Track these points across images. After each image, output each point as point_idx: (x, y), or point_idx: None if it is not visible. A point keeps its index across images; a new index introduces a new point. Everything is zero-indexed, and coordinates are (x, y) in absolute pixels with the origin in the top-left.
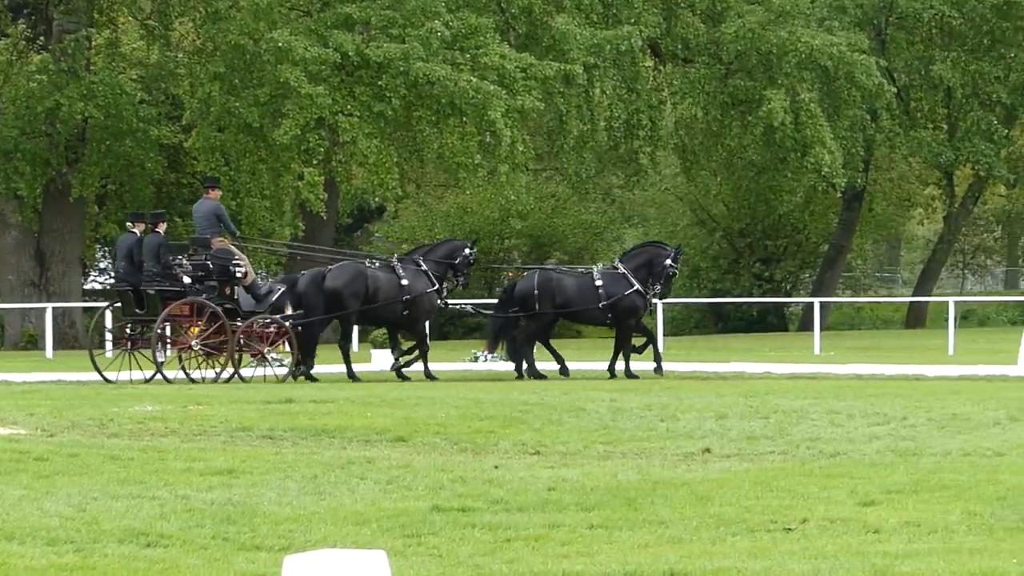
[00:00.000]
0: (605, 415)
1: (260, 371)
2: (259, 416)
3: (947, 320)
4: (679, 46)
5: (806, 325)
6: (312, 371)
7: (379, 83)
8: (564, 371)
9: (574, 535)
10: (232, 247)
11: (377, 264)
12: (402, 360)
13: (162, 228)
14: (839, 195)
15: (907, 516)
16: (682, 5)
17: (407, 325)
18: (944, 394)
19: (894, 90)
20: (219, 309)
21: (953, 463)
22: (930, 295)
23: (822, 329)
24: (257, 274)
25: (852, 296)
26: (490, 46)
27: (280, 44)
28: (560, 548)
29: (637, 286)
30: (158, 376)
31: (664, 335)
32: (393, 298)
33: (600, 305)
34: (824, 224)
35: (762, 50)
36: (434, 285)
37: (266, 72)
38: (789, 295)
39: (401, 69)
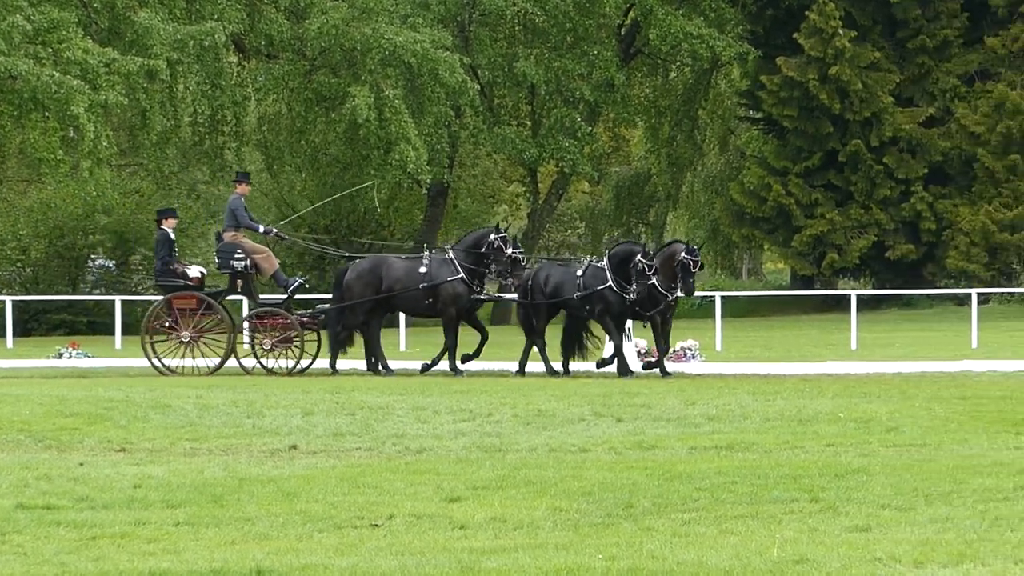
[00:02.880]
0: (191, 412)
1: (271, 362)
2: None
3: None
4: (263, 42)
5: (390, 321)
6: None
7: None
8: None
9: (160, 532)
10: (242, 241)
11: (404, 257)
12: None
13: (167, 224)
14: (424, 192)
15: (493, 512)
16: (265, 1)
17: (436, 314)
18: (529, 390)
19: (478, 87)
20: (215, 302)
21: (538, 459)
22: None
23: (408, 325)
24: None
25: None
26: (73, 40)
27: None
28: (146, 546)
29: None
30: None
31: None
32: (411, 287)
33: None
34: (409, 220)
35: (346, 47)
36: (458, 274)
37: None
38: None
39: None
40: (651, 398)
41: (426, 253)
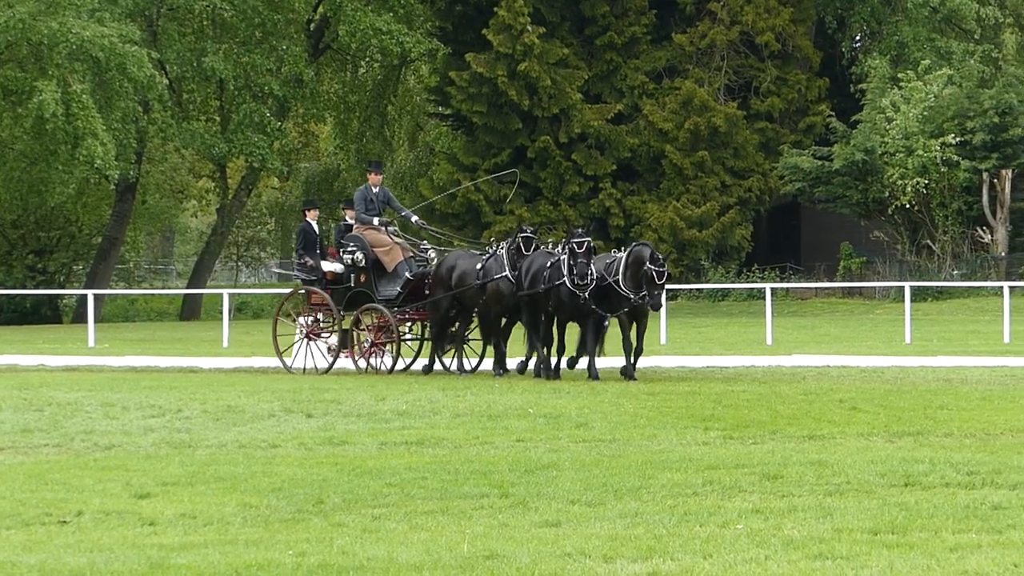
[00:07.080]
0: None
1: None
2: None
3: (221, 312)
4: None
5: (80, 317)
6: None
7: None
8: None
9: None
10: (364, 233)
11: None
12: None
13: (310, 216)
14: (112, 187)
15: (183, 508)
16: None
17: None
18: (219, 386)
19: (166, 82)
20: (328, 297)
21: (228, 455)
22: (204, 287)
23: (96, 321)
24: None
25: (126, 288)
26: None
27: None
28: None
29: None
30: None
31: None
32: (469, 284)
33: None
34: (98, 216)
35: (33, 40)
36: (503, 272)
37: None
38: (63, 287)
39: None
40: (341, 394)
41: (493, 249)
